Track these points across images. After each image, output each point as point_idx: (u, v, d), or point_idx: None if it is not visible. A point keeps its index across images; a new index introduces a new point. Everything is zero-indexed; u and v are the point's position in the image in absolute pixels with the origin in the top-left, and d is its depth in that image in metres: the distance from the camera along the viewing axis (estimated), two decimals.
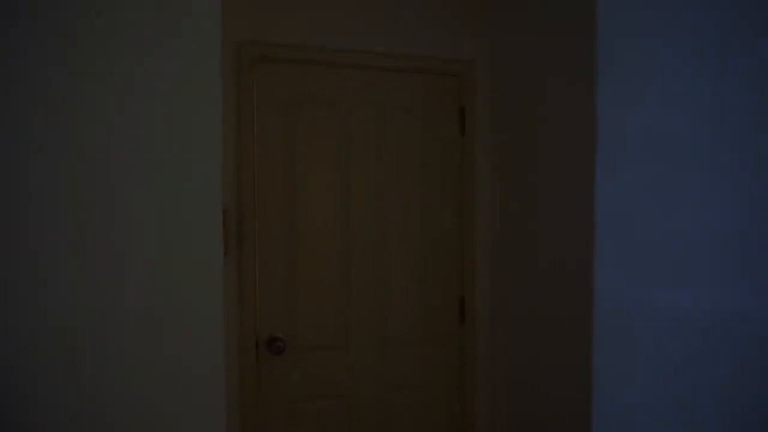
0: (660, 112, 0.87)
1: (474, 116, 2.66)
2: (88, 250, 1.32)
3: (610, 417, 0.96)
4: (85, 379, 1.33)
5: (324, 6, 2.43)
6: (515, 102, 2.57)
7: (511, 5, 2.59)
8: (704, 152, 0.80)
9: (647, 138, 0.89)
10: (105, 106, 1.32)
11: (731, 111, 0.76)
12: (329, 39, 2.43)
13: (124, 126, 1.33)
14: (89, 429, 1.34)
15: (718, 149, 0.78)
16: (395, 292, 2.56)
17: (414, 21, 2.57)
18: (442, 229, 2.64)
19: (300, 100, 2.40)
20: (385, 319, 2.55)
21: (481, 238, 2.71)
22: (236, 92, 2.31)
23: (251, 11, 2.33)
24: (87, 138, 1.31)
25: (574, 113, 2.22)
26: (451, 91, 2.64)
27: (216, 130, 1.41)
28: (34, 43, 1.25)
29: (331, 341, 2.48)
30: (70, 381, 1.32)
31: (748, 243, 0.73)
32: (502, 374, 2.68)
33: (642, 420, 0.90)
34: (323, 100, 2.43)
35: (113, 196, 1.33)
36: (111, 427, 1.36)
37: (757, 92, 0.72)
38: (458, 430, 2.73)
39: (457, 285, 2.68)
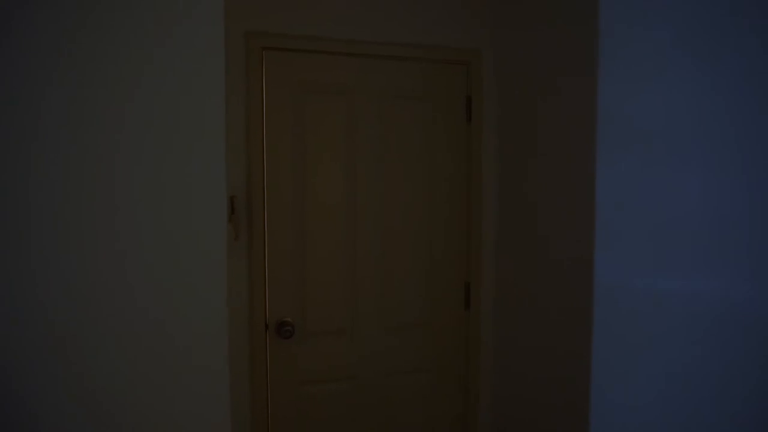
0: (662, 100, 0.87)
1: (481, 105, 2.68)
2: (90, 246, 1.31)
3: (609, 409, 0.97)
4: (88, 380, 1.33)
5: None
6: (521, 91, 2.59)
7: None
8: (708, 141, 0.79)
9: (649, 127, 0.89)
10: (108, 99, 1.30)
11: (733, 100, 0.76)
12: (337, 29, 2.45)
13: (126, 121, 1.32)
14: (89, 429, 1.35)
15: (721, 138, 0.77)
16: (401, 278, 2.59)
17: (422, 11, 2.58)
18: (448, 215, 2.67)
19: (308, 90, 2.42)
20: (392, 304, 2.58)
21: (486, 225, 2.74)
22: (245, 82, 2.33)
23: (259, 2, 2.35)
24: (89, 131, 1.29)
25: (578, 103, 2.24)
26: (458, 79, 2.65)
27: (219, 121, 1.41)
28: (40, 28, 1.23)
29: (339, 326, 2.51)
30: (69, 379, 1.32)
31: (751, 232, 0.73)
32: (506, 359, 2.71)
33: (642, 408, 0.91)
34: (331, 88, 2.45)
35: (116, 190, 1.32)
36: (113, 426, 1.36)
37: (758, 82, 0.72)
38: (462, 414, 2.76)
39: (462, 271, 2.70)
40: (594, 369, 1.00)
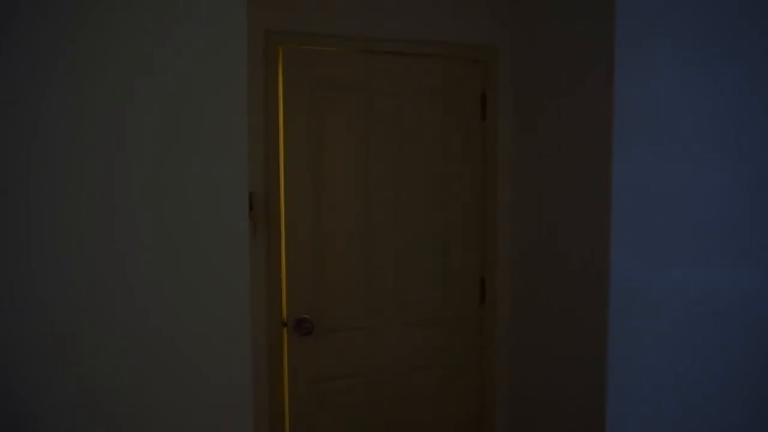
0: (679, 97, 0.87)
1: (496, 102, 2.67)
2: (90, 246, 1.31)
3: (624, 401, 0.95)
4: (88, 381, 1.33)
5: None
6: (537, 88, 2.56)
7: None
8: (720, 135, 0.79)
9: (664, 123, 0.89)
10: (108, 99, 1.30)
11: (750, 97, 0.75)
12: (354, 26, 2.45)
13: (126, 121, 1.31)
14: (89, 429, 1.34)
15: (735, 132, 0.77)
16: (418, 274, 2.60)
17: (438, 9, 2.57)
18: (463, 211, 2.67)
19: (325, 86, 2.42)
20: (408, 300, 2.60)
21: (501, 221, 2.72)
22: (264, 79, 2.34)
23: (278, 1, 2.36)
24: (89, 131, 1.29)
25: (594, 100, 2.20)
26: (473, 76, 2.63)
27: (225, 121, 1.40)
28: (40, 28, 1.25)
29: (356, 322, 2.52)
30: (69, 379, 1.32)
31: (762, 226, 0.72)
32: (521, 353, 2.70)
33: (655, 398, 0.90)
34: (348, 85, 2.45)
35: (116, 190, 1.32)
36: (113, 427, 1.35)
37: None
38: (478, 408, 2.74)
39: (477, 267, 2.69)
40: (610, 361, 0.98)
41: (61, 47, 1.26)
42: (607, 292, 1.01)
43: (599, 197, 2.17)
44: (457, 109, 2.61)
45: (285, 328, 2.41)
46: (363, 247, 2.50)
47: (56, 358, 1.31)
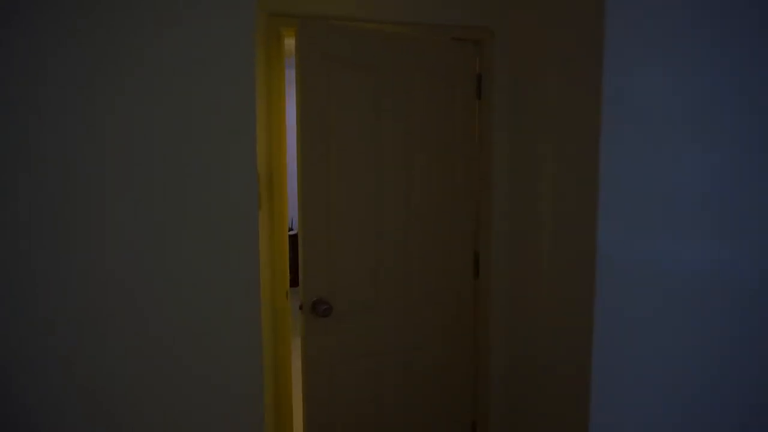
0: (665, 82, 0.90)
1: (491, 82, 2.75)
2: (90, 246, 1.32)
3: (608, 367, 0.98)
4: (87, 380, 1.33)
5: None
6: (531, 69, 2.64)
7: None
8: (704, 121, 0.81)
9: (651, 106, 0.91)
10: (106, 98, 1.31)
11: (730, 75, 0.76)
12: (357, 9, 2.53)
13: (123, 121, 1.32)
14: (89, 428, 1.34)
15: (717, 118, 0.79)
16: (422, 250, 2.64)
17: None
18: (462, 188, 2.73)
19: (328, 68, 2.42)
20: (413, 277, 2.62)
21: (495, 197, 2.82)
22: (266, 62, 2.39)
23: None
24: (89, 131, 1.30)
25: (584, 82, 2.29)
26: (470, 58, 2.71)
27: (250, 102, 1.42)
28: (40, 28, 1.25)
29: (368, 302, 2.52)
30: (69, 379, 1.32)
31: (737, 200, 0.75)
32: (513, 324, 2.83)
33: (638, 374, 0.92)
34: (351, 66, 2.47)
35: (114, 190, 1.32)
36: (113, 426, 1.35)
37: (757, 68, 0.73)
38: (473, 378, 2.84)
39: (472, 241, 2.79)
40: (595, 325, 1.01)
41: (63, 47, 1.29)
42: (593, 265, 1.04)
43: (589, 174, 2.24)
44: (456, 90, 2.68)
45: (301, 310, 2.39)
46: (373, 225, 2.51)
47: (56, 359, 1.30)
